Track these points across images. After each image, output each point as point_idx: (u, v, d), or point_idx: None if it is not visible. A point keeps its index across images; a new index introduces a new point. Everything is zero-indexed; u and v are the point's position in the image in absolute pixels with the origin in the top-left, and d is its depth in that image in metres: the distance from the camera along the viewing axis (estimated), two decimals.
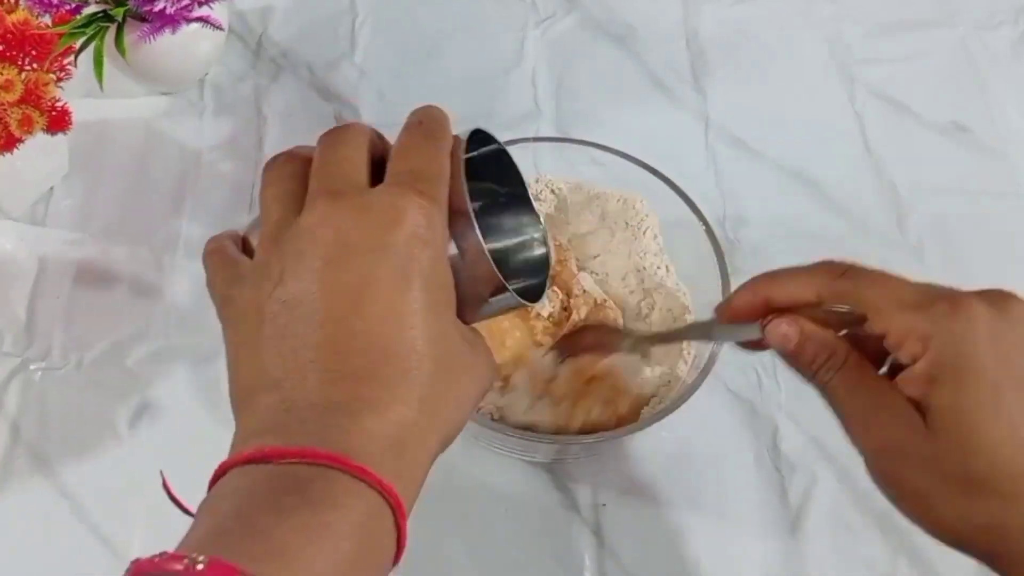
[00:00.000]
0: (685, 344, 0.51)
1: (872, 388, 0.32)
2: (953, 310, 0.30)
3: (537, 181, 0.57)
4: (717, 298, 0.49)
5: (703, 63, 0.69)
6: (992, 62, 0.70)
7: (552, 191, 0.57)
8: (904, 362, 0.32)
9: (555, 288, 0.53)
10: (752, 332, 0.36)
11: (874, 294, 0.32)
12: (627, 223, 0.56)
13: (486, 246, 0.30)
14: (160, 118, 0.65)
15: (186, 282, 0.58)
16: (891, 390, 0.32)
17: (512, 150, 0.54)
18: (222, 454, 0.44)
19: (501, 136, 0.68)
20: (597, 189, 0.56)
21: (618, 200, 0.56)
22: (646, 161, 0.54)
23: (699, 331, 0.46)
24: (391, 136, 0.67)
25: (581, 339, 0.48)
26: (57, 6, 0.57)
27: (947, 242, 0.62)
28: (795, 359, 0.34)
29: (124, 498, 0.51)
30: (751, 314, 0.36)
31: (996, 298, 0.31)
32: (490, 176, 0.36)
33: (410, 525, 0.52)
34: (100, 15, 0.58)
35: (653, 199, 0.55)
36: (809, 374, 0.34)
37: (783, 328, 0.34)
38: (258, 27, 0.70)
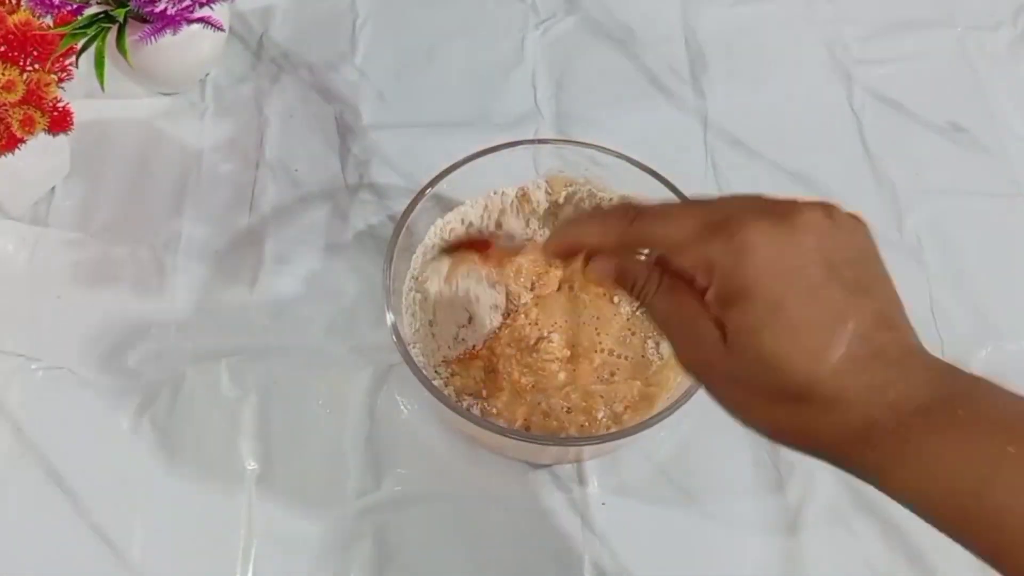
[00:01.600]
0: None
1: (684, 310, 0.34)
2: (729, 239, 0.32)
3: (538, 187, 0.57)
4: None
5: (702, 64, 0.69)
6: (990, 63, 0.70)
7: (547, 192, 0.57)
8: (702, 289, 0.33)
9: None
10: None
11: (663, 233, 0.34)
12: None
13: None
14: (161, 119, 0.65)
15: (186, 282, 0.59)
16: (698, 311, 0.33)
17: (513, 151, 0.54)
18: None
19: (501, 137, 0.69)
20: (597, 192, 0.56)
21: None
22: (645, 162, 0.54)
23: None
24: (391, 137, 0.67)
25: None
26: (59, 7, 0.57)
27: (945, 242, 0.62)
28: (621, 287, 0.36)
29: (124, 498, 0.52)
30: (571, 256, 0.38)
31: (780, 213, 0.32)
32: None
33: (410, 525, 0.52)
34: (101, 16, 0.58)
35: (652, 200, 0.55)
36: (636, 298, 0.36)
37: (601, 264, 0.37)
38: (259, 28, 0.70)
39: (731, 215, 0.32)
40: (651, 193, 0.54)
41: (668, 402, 0.48)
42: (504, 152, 0.54)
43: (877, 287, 0.32)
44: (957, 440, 0.30)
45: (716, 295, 0.32)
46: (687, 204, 0.36)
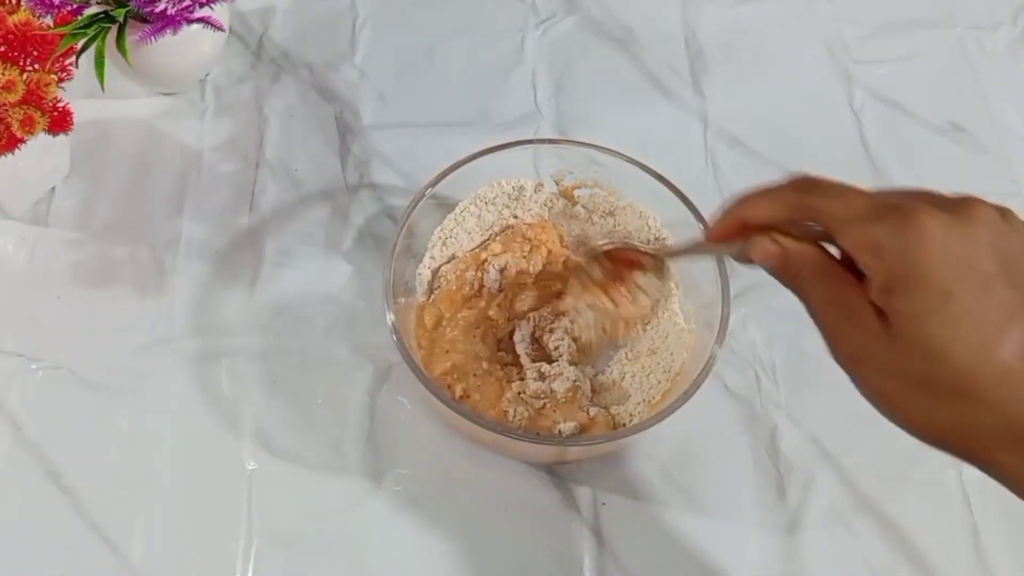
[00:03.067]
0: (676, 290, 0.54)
1: (844, 297, 0.33)
2: (902, 222, 0.31)
3: (552, 185, 0.57)
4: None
5: (702, 64, 0.69)
6: (990, 63, 0.70)
7: (564, 196, 0.57)
8: (865, 273, 0.33)
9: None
10: (742, 249, 0.37)
11: (832, 208, 0.33)
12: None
13: None
14: (161, 119, 0.65)
15: (186, 282, 0.59)
16: (859, 298, 0.33)
17: (513, 152, 0.54)
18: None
19: (501, 137, 0.69)
20: (611, 203, 0.57)
21: (634, 213, 0.56)
22: (645, 162, 0.54)
23: (700, 249, 0.47)
24: (391, 137, 0.67)
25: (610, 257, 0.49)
26: (59, 7, 0.57)
27: None
28: (780, 273, 0.36)
29: (124, 498, 0.52)
30: (734, 235, 0.37)
31: (954, 205, 0.32)
32: None
33: (411, 525, 0.52)
34: (101, 16, 0.58)
35: (652, 200, 0.55)
36: (793, 286, 0.35)
37: (764, 245, 0.36)
38: (259, 28, 0.70)
39: (905, 201, 0.32)
40: (650, 194, 0.54)
41: (668, 403, 0.48)
42: (504, 152, 0.54)
43: None
44: None
45: (883, 279, 0.32)
46: (859, 188, 0.34)
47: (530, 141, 0.57)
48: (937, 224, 0.31)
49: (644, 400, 0.53)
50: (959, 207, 0.32)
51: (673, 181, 0.53)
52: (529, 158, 0.56)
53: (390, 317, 0.49)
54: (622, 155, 0.54)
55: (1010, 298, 0.30)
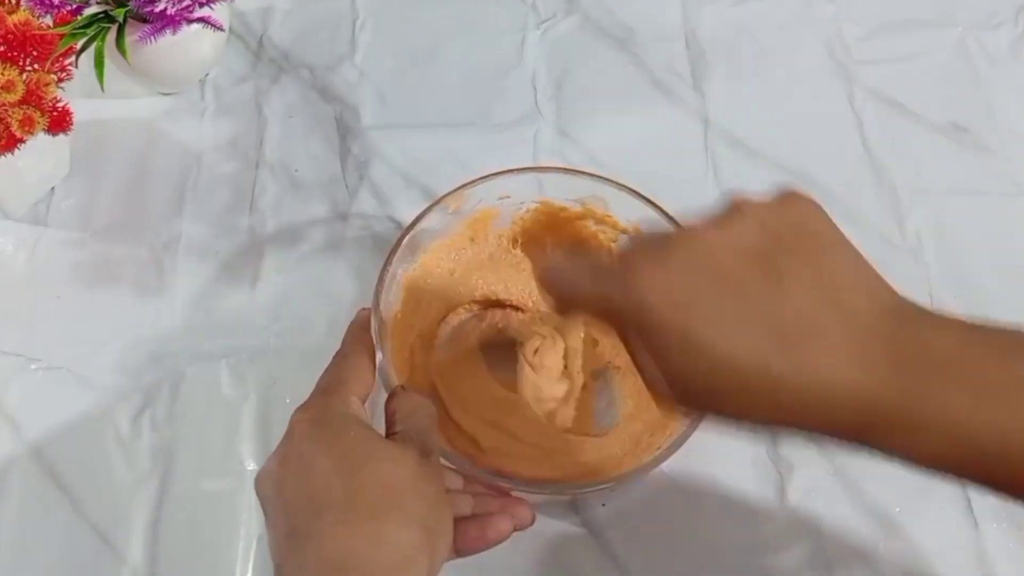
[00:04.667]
0: None
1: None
2: (618, 278, 0.32)
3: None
4: None
5: (703, 64, 0.69)
6: (991, 62, 0.70)
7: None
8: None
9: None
10: None
11: (567, 291, 0.36)
12: None
13: None
14: (161, 119, 0.65)
15: (186, 282, 0.59)
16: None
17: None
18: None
19: (500, 137, 0.69)
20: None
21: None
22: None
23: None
24: (391, 137, 0.67)
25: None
26: (58, 7, 0.57)
27: (947, 242, 0.62)
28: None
29: (124, 498, 0.52)
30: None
31: (667, 241, 0.33)
32: None
33: None
34: (101, 16, 0.58)
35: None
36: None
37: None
38: (259, 28, 0.70)
39: (626, 261, 0.33)
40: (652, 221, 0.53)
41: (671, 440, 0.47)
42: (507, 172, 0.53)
43: (789, 276, 0.31)
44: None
45: (629, 333, 0.33)
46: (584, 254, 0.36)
47: (535, 169, 0.56)
48: (641, 281, 0.32)
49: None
50: (667, 242, 0.33)
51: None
52: (533, 175, 0.55)
53: (380, 356, 0.46)
54: (626, 187, 0.52)
55: (746, 299, 0.31)
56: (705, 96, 0.68)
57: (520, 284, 0.56)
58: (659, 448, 0.46)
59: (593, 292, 0.34)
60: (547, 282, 0.36)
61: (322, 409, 0.40)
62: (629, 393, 0.54)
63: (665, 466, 0.53)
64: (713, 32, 0.71)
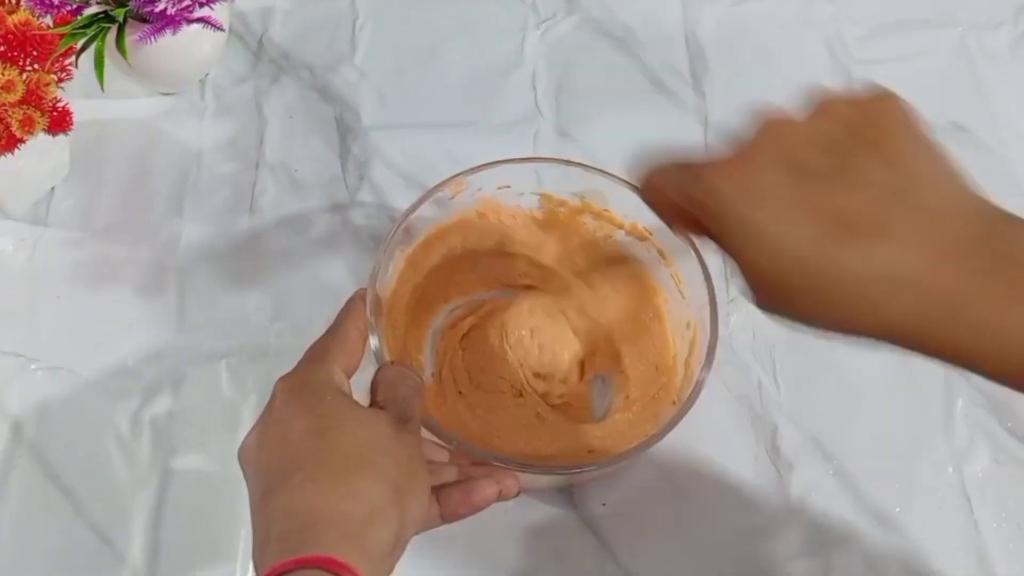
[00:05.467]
0: None
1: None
2: (697, 181, 0.33)
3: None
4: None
5: (703, 64, 0.69)
6: (991, 62, 0.70)
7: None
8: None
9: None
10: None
11: (666, 188, 0.35)
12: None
13: None
14: (161, 119, 0.65)
15: (186, 282, 0.59)
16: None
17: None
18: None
19: (500, 137, 0.69)
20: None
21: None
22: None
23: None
24: (391, 137, 0.67)
25: None
26: (58, 7, 0.57)
27: None
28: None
29: (124, 498, 0.52)
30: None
31: (743, 143, 0.33)
32: None
33: None
34: (101, 16, 0.58)
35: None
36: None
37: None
38: (259, 28, 0.70)
39: (703, 161, 0.33)
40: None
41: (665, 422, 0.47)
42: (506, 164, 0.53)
43: (863, 168, 0.31)
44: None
45: (714, 233, 0.33)
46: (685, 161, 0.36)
47: (532, 159, 0.56)
48: (716, 171, 0.32)
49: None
50: (743, 144, 0.33)
51: None
52: (531, 168, 0.55)
53: (374, 341, 0.46)
54: (625, 181, 0.51)
55: (808, 194, 0.31)
56: (705, 96, 0.68)
57: (517, 269, 0.56)
58: (649, 433, 0.46)
59: (677, 189, 0.34)
60: (645, 194, 0.37)
61: (304, 376, 0.40)
62: (624, 389, 0.54)
63: (665, 463, 0.53)
64: (713, 32, 0.71)
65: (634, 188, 0.50)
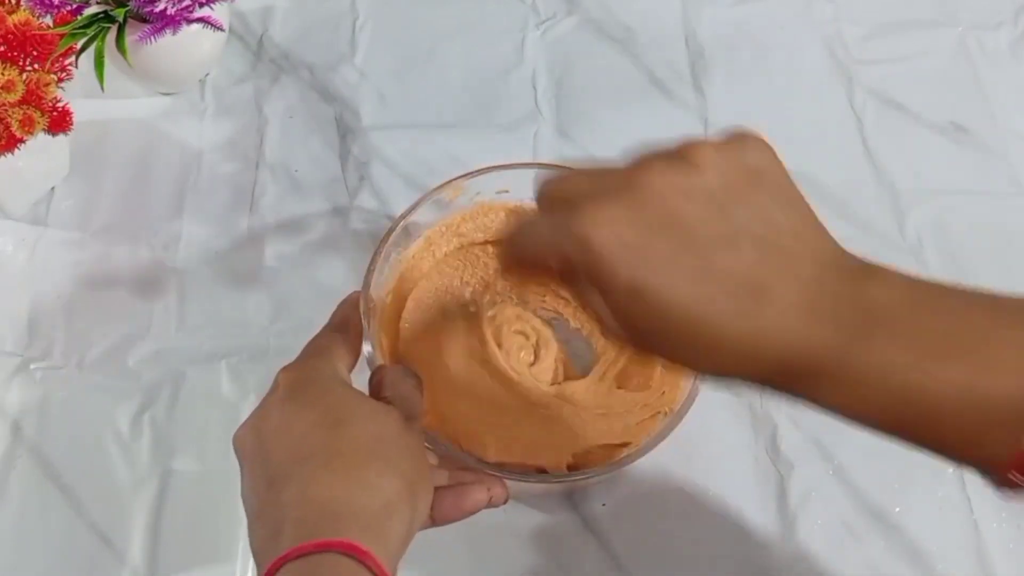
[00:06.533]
0: None
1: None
2: (569, 228, 0.31)
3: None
4: None
5: (702, 64, 0.69)
6: (991, 62, 0.70)
7: None
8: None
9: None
10: None
11: (528, 247, 0.35)
12: None
13: None
14: (161, 119, 0.65)
15: (186, 282, 0.59)
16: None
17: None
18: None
19: (500, 137, 0.69)
20: None
21: None
22: None
23: None
24: (391, 137, 0.67)
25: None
26: (58, 7, 0.57)
27: (947, 242, 0.62)
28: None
29: (124, 498, 0.52)
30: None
31: (619, 183, 0.32)
32: None
33: None
34: (101, 16, 0.58)
35: None
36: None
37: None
38: (259, 28, 0.70)
39: (571, 198, 0.32)
40: None
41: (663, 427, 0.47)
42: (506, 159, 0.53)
43: (733, 222, 0.31)
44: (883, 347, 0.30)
45: (579, 273, 0.32)
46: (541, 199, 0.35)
47: (534, 165, 0.56)
48: (591, 219, 0.31)
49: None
50: (620, 187, 0.31)
51: None
52: (531, 174, 0.55)
53: (367, 347, 0.46)
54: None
55: (701, 258, 0.30)
56: (705, 96, 0.68)
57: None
58: (643, 441, 0.46)
59: (546, 243, 0.33)
60: (508, 251, 0.36)
61: (308, 369, 0.40)
62: (589, 330, 0.54)
63: (665, 463, 0.53)
64: (713, 32, 0.71)
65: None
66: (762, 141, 0.33)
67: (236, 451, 0.38)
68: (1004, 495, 0.31)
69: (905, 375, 0.29)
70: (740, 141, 0.33)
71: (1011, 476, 0.29)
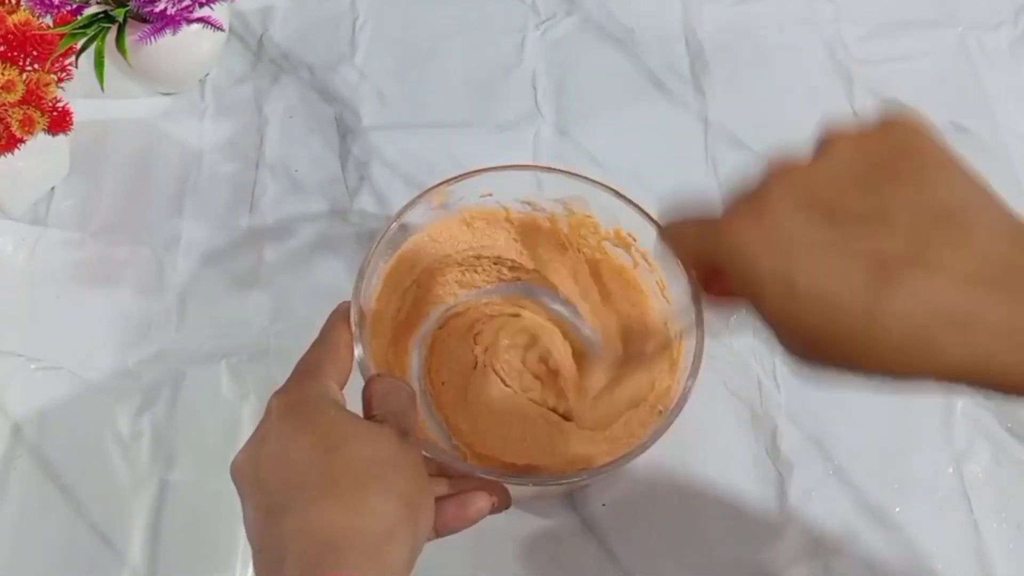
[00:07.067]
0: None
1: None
2: (718, 238, 0.31)
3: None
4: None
5: (702, 64, 0.69)
6: (991, 62, 0.70)
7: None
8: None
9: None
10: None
11: (683, 249, 0.35)
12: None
13: None
14: (161, 119, 0.65)
15: (186, 282, 0.59)
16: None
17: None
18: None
19: (500, 137, 0.69)
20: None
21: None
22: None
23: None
24: (391, 137, 0.67)
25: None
26: (58, 7, 0.57)
27: None
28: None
29: (124, 498, 0.52)
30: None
31: (755, 193, 0.32)
32: None
33: None
34: (101, 16, 0.58)
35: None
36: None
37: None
38: (259, 28, 0.70)
39: (727, 204, 0.32)
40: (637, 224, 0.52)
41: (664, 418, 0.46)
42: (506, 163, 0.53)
43: (893, 203, 0.29)
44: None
45: (741, 291, 0.31)
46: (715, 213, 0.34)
47: (532, 167, 0.56)
48: (735, 229, 0.30)
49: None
50: (756, 194, 0.31)
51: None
52: (531, 172, 0.55)
53: (358, 350, 0.46)
54: (609, 188, 0.51)
55: (841, 249, 0.29)
56: (705, 96, 0.68)
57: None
58: (639, 440, 0.46)
59: (698, 248, 0.33)
60: (666, 242, 0.35)
61: (300, 392, 0.40)
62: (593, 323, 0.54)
63: (665, 463, 0.53)
64: (713, 32, 0.71)
65: (616, 194, 0.50)
66: (911, 121, 0.31)
67: (234, 480, 0.38)
68: None
69: None
70: (890, 120, 0.31)
71: None
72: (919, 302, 0.28)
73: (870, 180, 0.30)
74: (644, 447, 0.45)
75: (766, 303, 0.30)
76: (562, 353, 0.54)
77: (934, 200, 0.29)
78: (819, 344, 0.29)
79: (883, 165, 0.30)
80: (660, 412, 0.49)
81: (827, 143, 0.31)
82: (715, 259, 0.32)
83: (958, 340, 0.28)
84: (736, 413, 0.55)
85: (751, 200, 0.31)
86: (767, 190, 0.31)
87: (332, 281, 0.59)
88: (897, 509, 0.53)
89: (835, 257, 0.29)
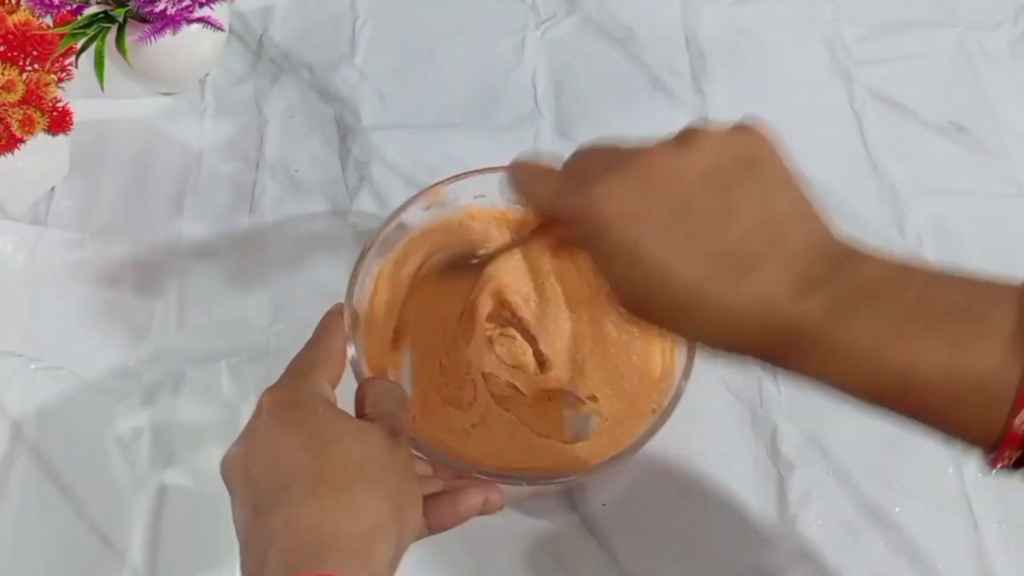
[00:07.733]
0: None
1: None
2: (582, 191, 0.34)
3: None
4: None
5: (702, 64, 0.69)
6: (991, 62, 0.70)
7: None
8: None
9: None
10: None
11: (535, 195, 0.37)
12: None
13: None
14: (161, 119, 0.65)
15: (186, 282, 0.59)
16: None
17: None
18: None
19: (500, 137, 0.69)
20: None
21: None
22: None
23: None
24: (391, 137, 0.67)
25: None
26: (58, 7, 0.57)
27: (946, 242, 0.62)
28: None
29: (124, 498, 0.52)
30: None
31: (630, 159, 0.34)
32: None
33: None
34: (101, 16, 0.58)
35: None
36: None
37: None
38: (259, 28, 0.70)
39: (586, 171, 0.35)
40: None
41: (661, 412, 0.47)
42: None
43: (735, 207, 0.33)
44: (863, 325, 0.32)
45: (584, 245, 0.35)
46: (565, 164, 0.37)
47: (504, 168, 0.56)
48: (600, 189, 0.33)
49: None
50: (631, 162, 0.34)
51: None
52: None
53: (351, 351, 0.46)
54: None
55: (690, 231, 0.33)
56: (705, 96, 0.68)
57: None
58: (632, 439, 0.46)
59: (552, 196, 0.36)
60: (514, 180, 0.38)
61: (292, 390, 0.40)
62: (605, 416, 0.53)
63: (665, 463, 0.53)
64: (713, 32, 0.71)
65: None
66: (760, 132, 0.36)
67: (224, 478, 0.39)
68: (994, 471, 0.32)
69: (888, 350, 0.31)
70: (740, 130, 0.35)
71: (1000, 454, 0.31)
72: (743, 294, 0.32)
73: (719, 182, 0.33)
74: (637, 447, 0.45)
75: (610, 263, 0.34)
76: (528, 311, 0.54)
77: (769, 207, 0.33)
78: (649, 306, 0.34)
79: (733, 169, 0.34)
80: (654, 411, 0.49)
81: (689, 134, 0.35)
82: (562, 210, 0.35)
83: (766, 327, 0.32)
84: (736, 413, 0.55)
85: (613, 169, 0.34)
86: (629, 165, 0.34)
87: (332, 281, 0.59)
88: (897, 509, 0.53)
89: (679, 242, 0.33)
